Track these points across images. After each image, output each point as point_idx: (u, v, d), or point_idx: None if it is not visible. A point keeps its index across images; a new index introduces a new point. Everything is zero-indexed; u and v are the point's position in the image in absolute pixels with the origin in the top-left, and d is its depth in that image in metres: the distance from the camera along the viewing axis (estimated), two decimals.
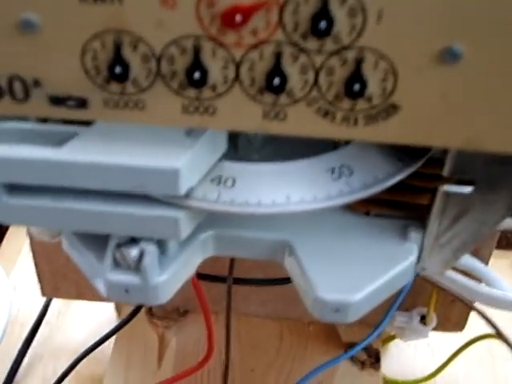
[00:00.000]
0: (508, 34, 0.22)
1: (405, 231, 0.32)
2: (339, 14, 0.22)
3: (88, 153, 0.27)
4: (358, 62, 0.23)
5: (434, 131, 0.25)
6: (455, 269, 0.50)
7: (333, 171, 0.29)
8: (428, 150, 0.30)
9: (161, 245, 0.30)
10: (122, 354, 0.58)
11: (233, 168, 0.29)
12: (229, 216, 0.30)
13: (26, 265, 0.71)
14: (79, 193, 0.28)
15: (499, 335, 0.54)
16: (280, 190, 0.28)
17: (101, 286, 0.31)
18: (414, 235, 0.32)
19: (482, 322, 0.60)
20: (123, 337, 0.58)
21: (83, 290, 0.57)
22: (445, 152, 0.29)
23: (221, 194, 0.28)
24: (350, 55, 0.23)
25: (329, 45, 0.23)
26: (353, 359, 0.59)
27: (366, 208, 0.33)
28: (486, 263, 0.51)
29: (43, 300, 0.62)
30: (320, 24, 0.22)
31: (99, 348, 0.57)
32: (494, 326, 0.54)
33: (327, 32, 0.23)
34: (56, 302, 0.64)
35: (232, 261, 0.46)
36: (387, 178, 0.29)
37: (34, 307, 0.64)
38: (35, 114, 0.26)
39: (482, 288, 0.51)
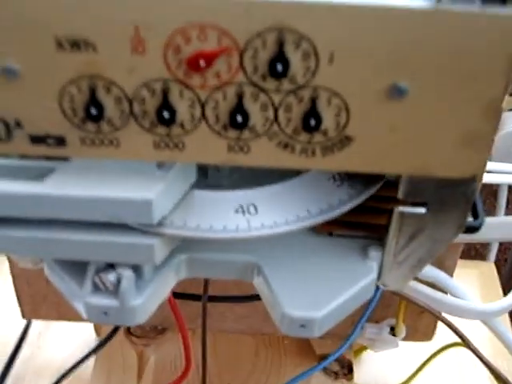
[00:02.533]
0: (446, 73, 0.25)
1: (365, 250, 0.34)
2: (294, 57, 0.25)
3: (67, 187, 0.29)
4: (313, 100, 0.26)
5: (385, 160, 0.27)
6: (421, 281, 0.52)
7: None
8: (383, 175, 0.33)
9: (136, 269, 0.32)
10: (102, 372, 0.60)
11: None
12: (198, 241, 0.33)
13: (5, 287, 0.72)
14: (59, 223, 0.30)
15: (466, 344, 0.56)
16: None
17: (81, 309, 0.32)
18: (374, 254, 0.34)
19: (446, 331, 0.62)
20: (103, 356, 0.60)
21: (64, 311, 0.58)
22: (398, 177, 0.31)
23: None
24: (306, 94, 0.26)
25: (286, 85, 0.25)
26: (326, 371, 0.61)
27: (329, 229, 0.35)
28: (451, 274, 0.53)
29: (23, 321, 0.63)
30: (277, 67, 0.25)
31: (81, 367, 0.58)
32: (459, 335, 0.56)
33: (284, 74, 0.25)
34: (36, 323, 0.65)
35: (206, 280, 0.48)
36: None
37: (13, 328, 0.65)
38: (17, 153, 0.28)
39: (447, 298, 0.53)
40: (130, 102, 0.26)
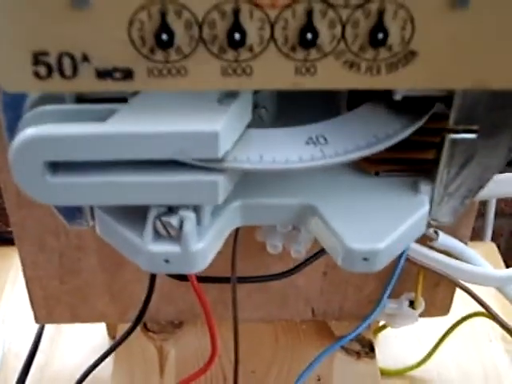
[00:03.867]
0: None
1: (415, 186, 0.35)
2: None
3: (130, 124, 0.29)
4: (380, 14, 0.26)
5: (447, 74, 0.28)
6: (437, 250, 0.52)
7: None
8: (430, 107, 0.33)
9: (196, 215, 0.32)
10: (123, 371, 0.59)
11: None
12: (253, 186, 0.33)
13: (13, 295, 0.71)
14: (121, 166, 0.30)
15: (487, 311, 0.57)
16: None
17: (141, 261, 0.32)
18: (424, 188, 0.34)
19: (460, 306, 0.62)
20: (122, 354, 0.59)
21: (77, 312, 0.57)
22: (448, 106, 0.32)
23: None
24: (373, 7, 0.26)
25: None
26: (348, 351, 0.61)
27: (375, 168, 0.35)
28: (465, 243, 0.54)
29: (35, 329, 0.62)
30: None
31: (98, 369, 0.57)
32: (481, 303, 0.57)
33: None
34: (48, 330, 0.63)
35: (234, 258, 0.47)
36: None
37: (26, 337, 0.64)
38: (83, 90, 0.28)
39: (466, 266, 0.53)
40: (200, 27, 0.26)
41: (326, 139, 0.32)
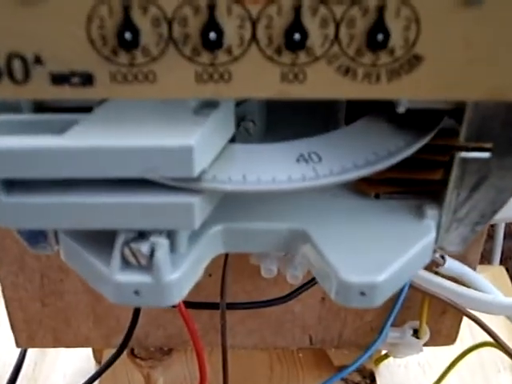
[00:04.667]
0: None
1: (419, 210, 0.31)
2: None
3: (93, 138, 0.25)
4: (380, 11, 0.23)
5: (457, 83, 0.24)
6: (443, 276, 0.49)
7: None
8: (437, 122, 0.30)
9: (170, 241, 0.28)
10: None
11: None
12: (237, 208, 0.29)
13: None
14: (84, 186, 0.26)
15: (496, 341, 0.53)
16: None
17: (108, 292, 0.28)
18: (430, 212, 0.31)
19: (467, 335, 0.59)
20: (107, 381, 0.56)
21: (60, 336, 0.55)
22: (458, 121, 0.28)
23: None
24: (372, 3, 0.22)
25: None
26: (347, 382, 0.57)
27: (375, 190, 0.32)
28: (474, 268, 0.51)
29: (17, 352, 0.58)
30: None
31: None
32: (489, 332, 0.53)
33: None
34: (31, 353, 0.60)
35: (223, 283, 0.44)
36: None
37: (7, 361, 0.60)
38: (36, 97, 0.24)
39: (474, 293, 0.50)
40: (170, 24, 0.23)
41: (319, 156, 0.28)
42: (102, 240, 0.29)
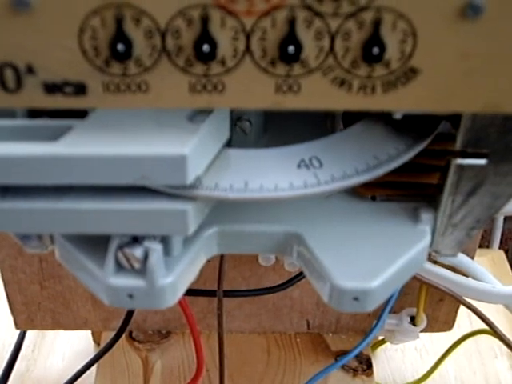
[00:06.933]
0: None
1: (415, 213, 0.31)
2: None
3: (86, 145, 0.25)
4: (376, 24, 0.22)
5: (454, 96, 0.24)
6: (442, 264, 0.49)
7: None
8: (434, 126, 0.29)
9: (164, 245, 0.28)
10: (105, 381, 0.56)
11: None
12: (231, 210, 0.29)
13: None
14: (77, 191, 0.26)
15: (492, 329, 0.54)
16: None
17: (102, 294, 0.28)
18: (426, 216, 0.30)
19: (465, 321, 0.59)
20: (105, 364, 0.56)
21: (59, 319, 0.56)
22: (455, 126, 0.28)
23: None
24: (367, 17, 0.22)
25: (345, 7, 0.22)
26: (344, 367, 0.58)
27: (372, 192, 0.31)
28: (472, 257, 0.51)
29: (16, 334, 0.59)
30: None
31: (81, 379, 0.54)
32: (484, 319, 0.53)
33: None
34: (30, 335, 0.61)
35: (220, 272, 0.44)
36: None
37: (6, 342, 0.61)
38: (29, 106, 0.24)
39: (471, 282, 0.50)
40: (163, 36, 0.22)
41: (320, 162, 0.28)
42: (96, 242, 0.29)
